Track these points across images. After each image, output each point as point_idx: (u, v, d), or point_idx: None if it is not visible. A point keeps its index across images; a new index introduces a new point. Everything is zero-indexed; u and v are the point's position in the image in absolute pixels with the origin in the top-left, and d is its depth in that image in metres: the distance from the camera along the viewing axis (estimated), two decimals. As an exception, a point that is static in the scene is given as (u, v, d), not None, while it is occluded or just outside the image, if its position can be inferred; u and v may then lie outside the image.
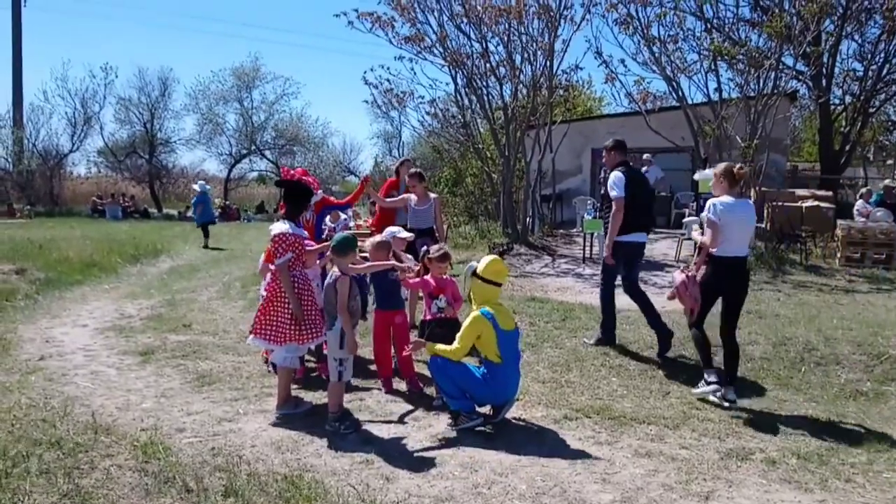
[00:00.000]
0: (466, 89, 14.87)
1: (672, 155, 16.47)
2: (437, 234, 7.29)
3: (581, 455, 4.20)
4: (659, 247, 12.97)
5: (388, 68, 15.63)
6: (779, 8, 12.73)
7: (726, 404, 5.21)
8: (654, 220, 5.93)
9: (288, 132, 38.15)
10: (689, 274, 5.48)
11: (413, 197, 7.40)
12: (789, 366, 6.21)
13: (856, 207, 12.94)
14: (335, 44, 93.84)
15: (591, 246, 12.07)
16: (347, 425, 4.59)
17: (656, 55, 12.94)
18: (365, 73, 18.14)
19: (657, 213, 16.08)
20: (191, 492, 3.60)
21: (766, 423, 4.85)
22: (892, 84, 17.48)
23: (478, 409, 4.67)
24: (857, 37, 16.93)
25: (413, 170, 7.70)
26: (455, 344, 4.60)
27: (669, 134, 13.77)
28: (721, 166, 5.66)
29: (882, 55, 16.47)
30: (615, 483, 3.79)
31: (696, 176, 12.52)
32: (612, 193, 6.47)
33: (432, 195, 7.58)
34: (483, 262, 4.72)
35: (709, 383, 5.37)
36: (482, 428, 4.59)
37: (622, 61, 13.79)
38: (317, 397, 5.26)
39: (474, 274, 4.68)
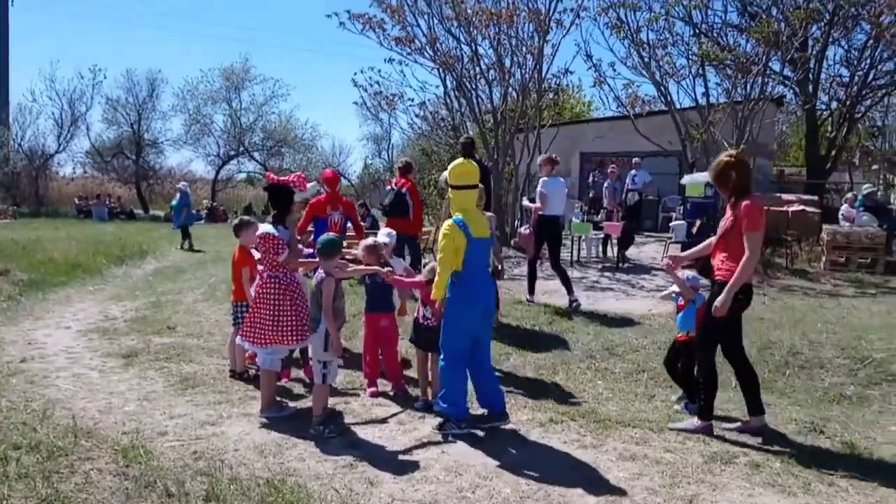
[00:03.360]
0: (456, 92, 14.87)
1: (659, 159, 16.54)
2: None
3: (566, 458, 4.19)
4: (647, 250, 13.02)
5: (378, 70, 15.61)
6: (767, 13, 12.85)
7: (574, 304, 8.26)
8: (490, 206, 7.79)
9: (276, 134, 38.01)
10: (529, 230, 8.53)
11: None
12: (774, 369, 6.24)
13: (841, 212, 13.03)
14: (326, 46, 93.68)
15: (580, 249, 12.11)
16: (332, 429, 4.56)
17: (645, 60, 13.01)
18: (355, 74, 18.13)
19: (645, 216, 16.21)
20: (172, 496, 3.56)
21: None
22: (877, 90, 17.62)
23: (470, 412, 4.65)
24: (843, 43, 17.07)
25: (400, 163, 8.06)
26: (438, 266, 4.52)
27: (657, 138, 13.83)
28: (542, 157, 8.64)
29: (868, 61, 16.59)
30: (600, 486, 3.78)
31: (684, 180, 12.61)
32: None
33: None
34: (449, 168, 4.65)
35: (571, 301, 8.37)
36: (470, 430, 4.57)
37: (612, 65, 13.90)
38: (301, 401, 5.23)
39: (446, 183, 4.65)
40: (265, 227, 4.87)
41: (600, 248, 12.48)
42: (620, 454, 4.25)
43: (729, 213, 4.58)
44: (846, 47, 17.24)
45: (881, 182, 18.26)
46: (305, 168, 36.84)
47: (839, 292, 9.50)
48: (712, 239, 4.86)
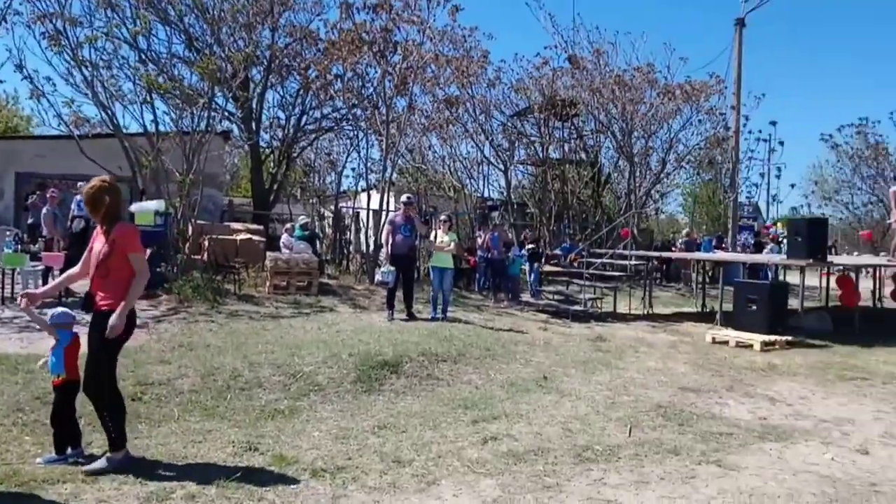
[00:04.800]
0: None
1: (111, 184, 15.72)
2: None
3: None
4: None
5: None
6: (210, 50, 13.49)
7: None
8: None
9: None
10: None
11: None
12: (216, 395, 6.52)
13: (282, 241, 14.55)
14: None
15: (15, 283, 10.50)
16: None
17: (88, 79, 12.16)
18: None
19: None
20: None
21: (190, 455, 4.96)
22: (309, 133, 20.34)
23: None
24: (279, 89, 19.17)
25: None
26: None
27: (106, 162, 13.05)
28: None
29: (300, 107, 19.04)
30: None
31: (133, 208, 12.21)
32: None
33: None
34: None
35: None
36: None
37: (49, 79, 12.57)
38: None
39: None
40: None
41: (39, 282, 11.07)
42: (44, 519, 3.81)
43: (102, 238, 4.68)
44: (282, 93, 19.42)
45: (316, 214, 21.03)
46: None
47: (280, 314, 10.54)
48: (72, 271, 4.94)
